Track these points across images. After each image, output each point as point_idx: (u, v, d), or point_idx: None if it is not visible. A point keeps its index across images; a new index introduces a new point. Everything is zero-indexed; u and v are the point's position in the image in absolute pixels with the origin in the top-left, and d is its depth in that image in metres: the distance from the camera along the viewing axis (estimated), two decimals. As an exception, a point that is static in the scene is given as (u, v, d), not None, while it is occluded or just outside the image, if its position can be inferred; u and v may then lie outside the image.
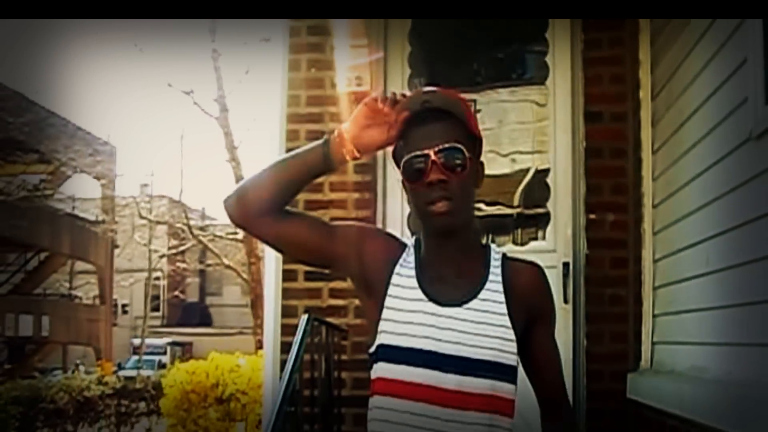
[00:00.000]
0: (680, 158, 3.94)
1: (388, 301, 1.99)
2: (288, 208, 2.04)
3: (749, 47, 2.92)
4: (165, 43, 31.36)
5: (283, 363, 4.55)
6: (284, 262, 5.02)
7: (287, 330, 4.78)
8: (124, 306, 43.37)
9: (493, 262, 2.03)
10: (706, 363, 3.54)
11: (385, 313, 1.98)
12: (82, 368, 26.05)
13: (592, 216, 4.85)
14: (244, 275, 21.26)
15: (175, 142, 53.78)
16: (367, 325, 2.07)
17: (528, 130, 5.33)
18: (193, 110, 28.95)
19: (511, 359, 1.94)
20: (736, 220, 3.15)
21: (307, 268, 5.01)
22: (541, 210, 5.16)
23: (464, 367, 1.91)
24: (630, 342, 4.70)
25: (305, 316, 4.09)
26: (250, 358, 7.42)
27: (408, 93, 2.01)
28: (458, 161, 1.93)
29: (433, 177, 1.92)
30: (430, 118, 1.96)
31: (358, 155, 2.01)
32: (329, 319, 4.67)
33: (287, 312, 4.98)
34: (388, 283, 2.01)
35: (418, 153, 1.93)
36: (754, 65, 2.88)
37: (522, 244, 5.26)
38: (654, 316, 4.49)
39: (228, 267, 22.79)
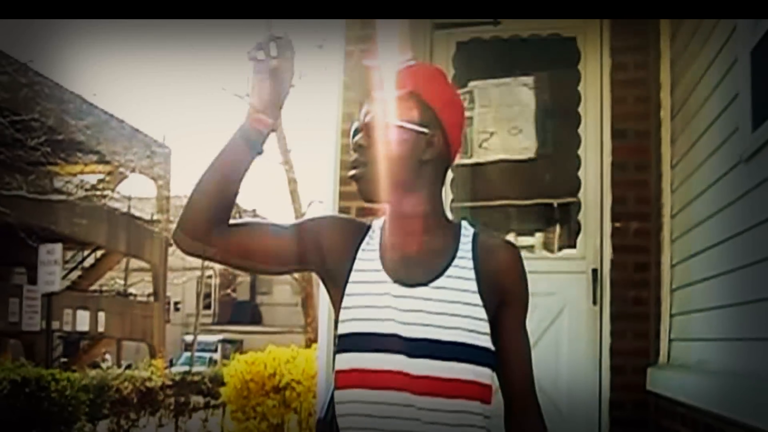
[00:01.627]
0: (692, 174, 4.40)
1: (349, 288, 1.87)
2: (231, 221, 1.90)
3: (740, 83, 3.40)
4: (219, 47, 32.12)
5: (336, 353, 5.05)
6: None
7: (340, 323, 5.27)
8: (176, 304, 44.01)
9: (462, 239, 1.90)
10: (709, 357, 4.01)
11: (347, 300, 1.87)
12: (109, 358, 26.66)
13: (618, 224, 5.22)
14: (295, 274, 21.66)
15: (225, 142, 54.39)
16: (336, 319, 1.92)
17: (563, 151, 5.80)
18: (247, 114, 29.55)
19: (485, 341, 1.81)
20: (732, 231, 3.61)
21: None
22: (569, 200, 5.60)
23: (433, 350, 1.78)
24: (650, 339, 5.08)
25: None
26: (303, 351, 7.96)
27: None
28: (370, 127, 1.87)
29: (354, 142, 1.89)
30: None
31: (268, 120, 1.89)
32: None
33: (340, 307, 5.45)
34: (350, 270, 1.89)
35: (356, 119, 1.92)
36: (743, 99, 3.35)
37: (555, 251, 5.73)
38: (671, 315, 4.90)
39: (279, 266, 23.12)
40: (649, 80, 5.24)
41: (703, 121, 4.12)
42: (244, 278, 43.20)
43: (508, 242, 1.96)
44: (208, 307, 42.33)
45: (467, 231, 1.93)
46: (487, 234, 1.94)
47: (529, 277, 1.92)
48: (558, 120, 5.92)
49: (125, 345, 32.95)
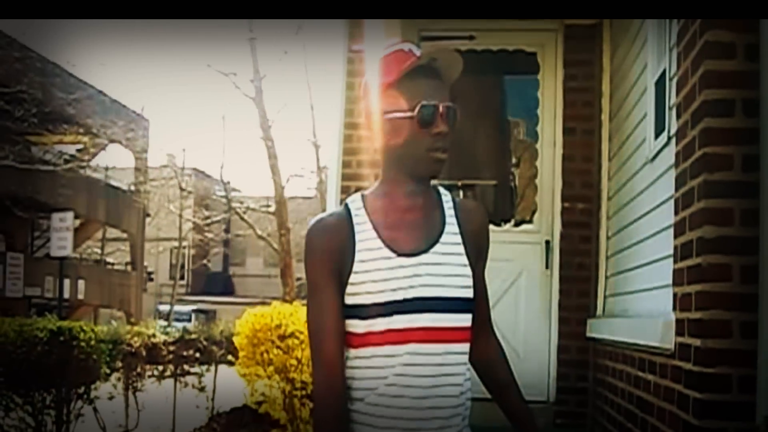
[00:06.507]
0: (621, 167, 5.67)
1: (356, 267, 2.03)
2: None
3: (647, 105, 4.67)
4: (206, 29, 32.79)
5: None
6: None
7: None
8: (150, 273, 44.43)
9: (446, 206, 2.16)
10: (629, 306, 5.28)
11: (353, 278, 2.03)
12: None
13: (567, 204, 6.43)
14: (275, 245, 22.62)
15: (206, 118, 54.73)
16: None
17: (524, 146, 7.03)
18: (230, 90, 30.18)
19: (471, 292, 2.10)
20: (643, 211, 4.87)
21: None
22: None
23: (436, 306, 2.03)
24: (591, 296, 6.32)
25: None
26: (303, 307, 9.08)
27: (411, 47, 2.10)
28: (454, 119, 2.07)
29: (441, 128, 2.04)
30: (431, 73, 2.06)
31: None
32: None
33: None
34: (353, 255, 2.04)
35: (432, 104, 2.03)
36: (649, 116, 4.62)
37: (516, 225, 6.95)
38: (606, 277, 6.16)
39: (260, 237, 23.77)
40: (594, 89, 6.42)
41: (628, 129, 5.39)
42: (218, 250, 43.82)
43: (479, 205, 2.28)
44: (181, 277, 42.69)
45: (446, 197, 2.19)
46: (460, 198, 2.23)
47: (493, 245, 2.28)
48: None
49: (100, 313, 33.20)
